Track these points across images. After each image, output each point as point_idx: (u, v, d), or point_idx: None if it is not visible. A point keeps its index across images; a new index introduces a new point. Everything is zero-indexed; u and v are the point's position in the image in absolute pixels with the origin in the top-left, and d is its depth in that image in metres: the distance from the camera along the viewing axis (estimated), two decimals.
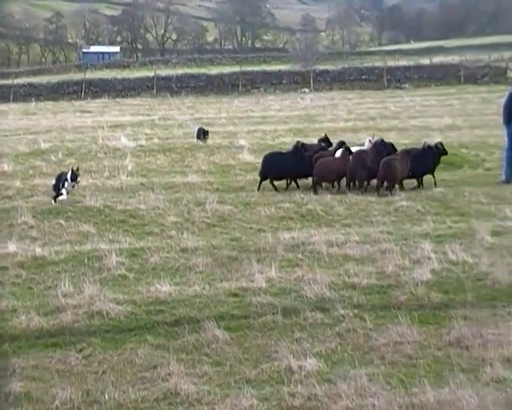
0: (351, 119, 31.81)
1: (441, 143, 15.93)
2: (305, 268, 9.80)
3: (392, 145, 16.06)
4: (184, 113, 37.82)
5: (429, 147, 15.77)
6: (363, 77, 55.54)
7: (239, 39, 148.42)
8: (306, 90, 53.09)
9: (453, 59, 69.96)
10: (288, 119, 32.53)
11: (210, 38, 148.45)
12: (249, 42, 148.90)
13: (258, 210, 13.75)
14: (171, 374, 6.68)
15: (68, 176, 14.30)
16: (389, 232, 11.83)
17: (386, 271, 9.61)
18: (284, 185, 16.10)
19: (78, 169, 14.63)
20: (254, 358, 7.08)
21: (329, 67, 62.30)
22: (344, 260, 10.33)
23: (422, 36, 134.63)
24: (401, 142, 22.46)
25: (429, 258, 10.04)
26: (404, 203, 13.91)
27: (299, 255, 10.56)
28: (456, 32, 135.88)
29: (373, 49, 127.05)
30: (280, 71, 58.99)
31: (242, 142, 23.09)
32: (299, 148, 16.18)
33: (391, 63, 65.56)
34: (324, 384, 6.40)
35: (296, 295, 8.80)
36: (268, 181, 15.85)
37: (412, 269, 9.60)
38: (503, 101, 17.24)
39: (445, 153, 15.87)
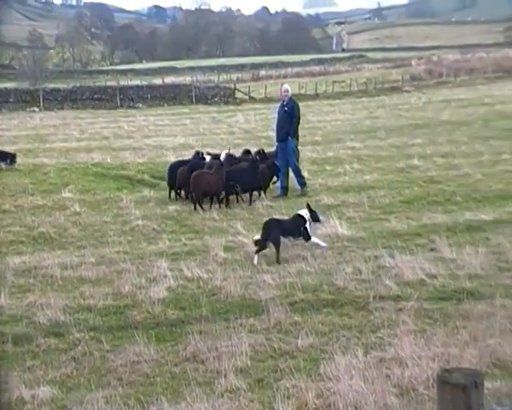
0: (84, 138, 31.40)
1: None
2: (37, 293, 9.43)
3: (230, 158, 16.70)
4: None
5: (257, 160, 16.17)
6: (96, 96, 55.08)
7: None
8: (36, 109, 51.41)
9: (185, 79, 71.89)
10: (17, 139, 31.28)
11: None
12: None
13: None
14: None
15: (306, 216, 11.43)
16: (125, 252, 11.77)
17: (123, 291, 9.53)
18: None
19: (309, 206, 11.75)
20: None
21: (60, 85, 61.04)
22: (79, 282, 10.08)
23: (155, 56, 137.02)
24: (137, 160, 22.66)
25: (165, 276, 10.12)
26: (140, 222, 13.94)
27: (31, 280, 10.15)
28: (187, 52, 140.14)
29: (105, 68, 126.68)
30: (6, 89, 56.62)
31: None
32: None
33: (124, 83, 65.89)
34: None
35: (28, 321, 8.42)
36: None
37: (149, 288, 9.61)
38: (275, 116, 18.08)
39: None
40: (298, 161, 17.34)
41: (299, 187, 17.08)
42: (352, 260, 10.72)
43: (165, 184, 17.72)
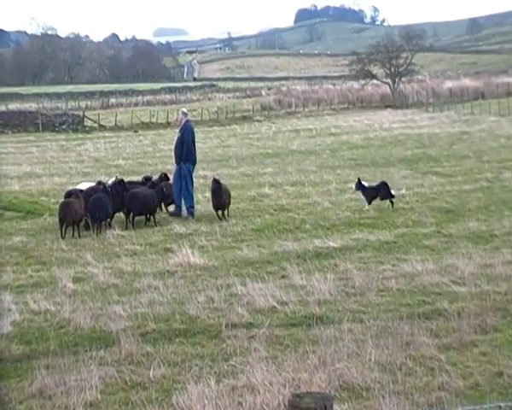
0: None
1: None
2: None
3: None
4: None
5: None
6: None
7: None
8: None
9: (31, 106, 69.70)
10: None
11: None
12: None
13: None
14: None
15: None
16: None
17: None
18: None
19: None
20: None
21: None
22: None
23: None
24: None
25: (10, 310, 9.74)
26: None
27: None
28: (33, 78, 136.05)
29: None
30: None
31: None
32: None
33: None
34: None
35: None
36: None
37: None
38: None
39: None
40: (192, 186, 17.84)
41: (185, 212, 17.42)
42: (204, 288, 10.72)
43: (9, 214, 17.11)
